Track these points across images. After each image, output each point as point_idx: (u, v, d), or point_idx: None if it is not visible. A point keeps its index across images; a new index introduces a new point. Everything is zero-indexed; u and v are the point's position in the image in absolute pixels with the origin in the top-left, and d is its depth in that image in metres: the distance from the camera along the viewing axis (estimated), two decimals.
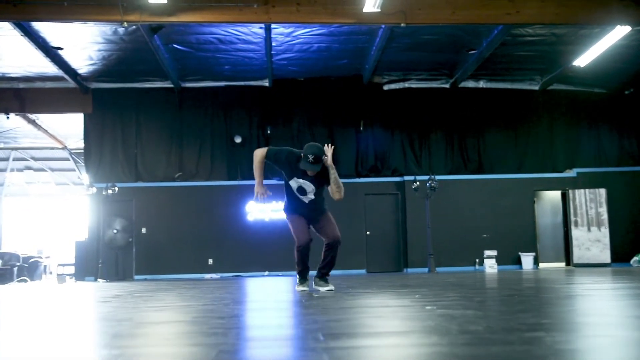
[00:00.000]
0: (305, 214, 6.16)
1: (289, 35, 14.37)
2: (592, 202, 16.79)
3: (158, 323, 3.39)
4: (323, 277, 6.27)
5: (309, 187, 5.97)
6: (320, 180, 5.96)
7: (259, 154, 6.07)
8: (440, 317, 3.10)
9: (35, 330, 3.11)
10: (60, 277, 14.91)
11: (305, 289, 6.38)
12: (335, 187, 5.85)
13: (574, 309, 3.63)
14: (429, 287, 6.27)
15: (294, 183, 6.01)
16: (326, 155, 5.85)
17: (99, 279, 15.30)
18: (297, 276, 6.43)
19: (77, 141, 20.87)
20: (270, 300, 5.16)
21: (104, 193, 15.76)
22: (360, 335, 2.49)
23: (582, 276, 9.19)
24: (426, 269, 15.99)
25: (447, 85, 17.87)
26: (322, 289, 6.21)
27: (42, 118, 18.83)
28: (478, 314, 3.21)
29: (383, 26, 13.31)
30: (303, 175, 5.89)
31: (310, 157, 5.70)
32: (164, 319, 3.67)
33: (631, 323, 2.78)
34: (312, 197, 6.04)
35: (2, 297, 7.65)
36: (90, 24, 12.89)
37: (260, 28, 13.72)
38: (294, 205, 6.18)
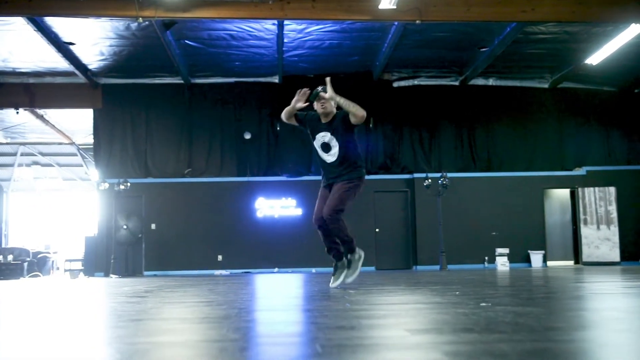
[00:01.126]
0: (330, 179, 5.89)
1: (301, 32, 14.31)
2: (601, 201, 16.76)
3: (180, 320, 3.34)
4: (340, 257, 5.82)
5: (328, 137, 5.80)
6: (339, 127, 5.78)
7: (285, 111, 6.13)
8: (505, 313, 3.05)
9: (67, 326, 3.06)
10: (73, 273, 14.85)
11: (334, 284, 5.82)
12: (351, 107, 5.66)
13: (584, 310, 3.59)
14: (462, 285, 6.21)
15: (317, 143, 5.89)
16: (324, 91, 5.83)
17: (111, 275, 15.23)
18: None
19: (84, 137, 20.80)
20: (276, 297, 5.10)
21: (116, 188, 15.71)
22: (443, 331, 2.44)
23: (590, 274, 9.16)
24: (435, 267, 15.96)
25: (456, 83, 17.82)
26: (347, 279, 5.79)
27: (50, 113, 18.76)
28: (538, 311, 3.16)
29: (396, 23, 13.26)
30: (323, 127, 5.85)
31: (319, 88, 5.84)
32: (183, 315, 3.62)
33: None
34: (337, 151, 5.77)
35: (20, 292, 7.59)
36: (103, 19, 12.83)
37: (273, 24, 13.66)
38: (322, 173, 6.02)
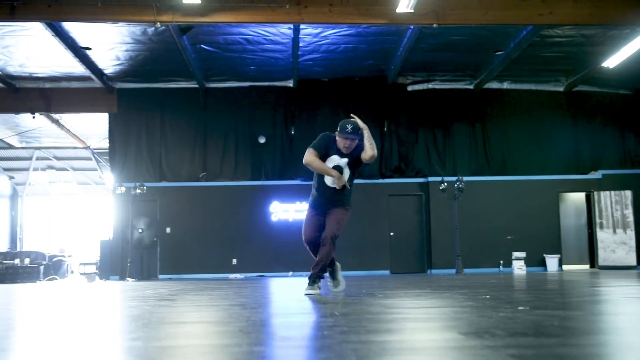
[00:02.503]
0: (324, 203, 6.02)
1: (317, 36, 14.34)
2: (617, 204, 16.70)
3: (192, 323, 3.36)
4: (311, 277, 6.02)
5: (343, 162, 5.95)
6: (354, 159, 5.95)
7: (310, 156, 5.97)
8: (548, 317, 3.06)
9: (96, 330, 3.09)
10: (90, 276, 14.93)
11: (311, 292, 5.94)
12: (369, 144, 5.80)
13: (602, 315, 3.59)
14: (488, 289, 6.21)
15: (330, 163, 5.96)
16: (360, 127, 5.91)
17: (128, 278, 15.29)
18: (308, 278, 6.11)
19: (99, 141, 20.91)
20: (289, 300, 5.12)
21: (132, 192, 15.78)
22: (496, 334, 2.45)
23: (611, 278, 9.13)
24: (450, 270, 15.93)
25: (471, 86, 17.81)
26: (310, 291, 5.94)
27: (65, 118, 18.87)
28: (580, 314, 3.17)
29: (412, 27, 13.27)
30: (339, 153, 5.94)
31: (349, 127, 5.83)
32: (193, 319, 3.65)
33: None
34: (347, 177, 5.97)
35: (42, 295, 7.64)
36: (120, 24, 12.91)
37: (289, 29, 13.70)
38: (316, 196, 6.10)
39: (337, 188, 5.91)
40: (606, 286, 6.67)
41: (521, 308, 3.58)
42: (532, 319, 2.96)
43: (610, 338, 2.17)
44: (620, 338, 2.18)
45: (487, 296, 4.83)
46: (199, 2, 11.70)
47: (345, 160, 5.94)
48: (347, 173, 5.97)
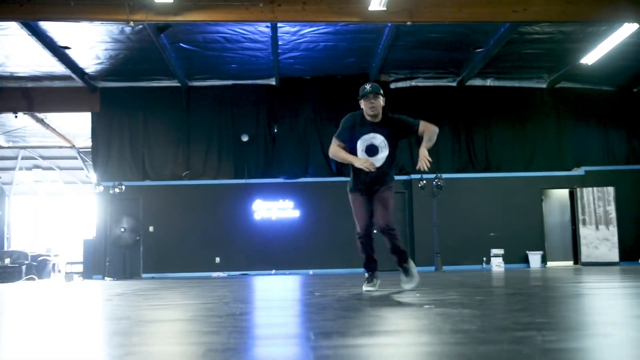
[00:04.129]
0: (367, 186, 5.49)
1: (295, 34, 14.36)
2: (600, 201, 16.70)
3: (156, 321, 3.40)
4: (401, 266, 5.63)
5: (379, 139, 5.42)
6: (392, 130, 5.45)
7: (333, 148, 5.52)
8: (437, 315, 3.09)
9: (36, 328, 3.12)
10: (68, 276, 14.98)
11: (370, 288, 5.58)
12: (434, 137, 5.39)
13: (576, 308, 3.61)
14: (431, 286, 6.26)
15: (361, 145, 5.45)
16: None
17: (106, 278, 15.36)
18: (365, 272, 5.73)
19: (85, 140, 20.95)
20: (267, 299, 5.16)
21: (111, 192, 15.82)
22: (352, 334, 2.49)
23: (589, 275, 9.15)
24: (433, 268, 15.96)
25: (454, 84, 17.82)
26: (404, 285, 5.62)
27: (51, 117, 18.91)
28: (475, 313, 3.20)
29: (389, 24, 13.28)
30: (371, 128, 5.44)
31: (367, 86, 5.47)
32: (163, 317, 3.68)
33: (632, 323, 2.76)
34: (385, 154, 5.43)
35: (9, 295, 7.69)
36: (97, 23, 12.92)
37: (267, 27, 13.72)
38: (357, 177, 5.55)
39: (371, 170, 5.28)
40: (563, 283, 6.69)
41: (426, 307, 3.61)
42: (414, 316, 2.99)
43: (448, 338, 2.20)
44: (465, 337, 2.21)
45: (417, 295, 4.86)
46: (171, 1, 11.73)
47: (382, 137, 5.42)
48: (384, 151, 5.43)
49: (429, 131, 5.46)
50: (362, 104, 5.47)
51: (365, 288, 5.62)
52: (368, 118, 5.48)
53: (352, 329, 2.66)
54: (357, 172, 5.48)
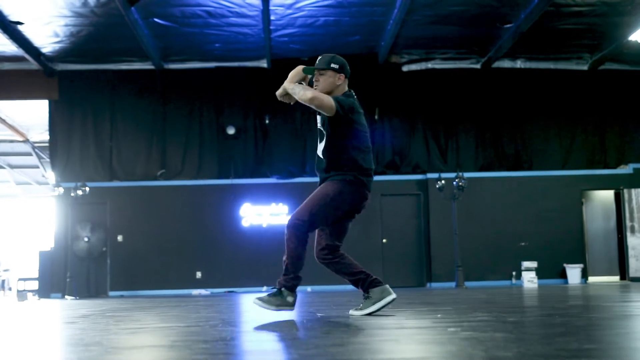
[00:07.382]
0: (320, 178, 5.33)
1: (291, 7, 14.39)
2: None
3: (133, 348, 3.39)
4: (278, 283, 5.23)
5: (319, 122, 5.28)
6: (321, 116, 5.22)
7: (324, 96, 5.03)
8: (465, 340, 3.09)
9: None
10: (21, 294, 14.99)
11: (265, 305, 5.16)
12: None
13: (625, 332, 3.61)
14: (454, 305, 6.26)
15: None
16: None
17: (66, 296, 15.35)
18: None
19: (41, 133, 20.92)
20: (260, 321, 5.15)
21: (72, 194, 15.81)
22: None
23: (639, 292, 9.16)
24: (453, 284, 15.97)
25: (477, 66, 17.84)
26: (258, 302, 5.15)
27: (0, 105, 18.89)
28: (510, 337, 3.20)
29: None
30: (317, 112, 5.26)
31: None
32: (140, 343, 3.68)
33: None
34: (323, 143, 5.19)
35: None
36: None
37: None
38: None
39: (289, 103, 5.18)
40: (609, 303, 6.70)
41: (451, 330, 3.61)
42: (437, 340, 2.99)
43: None
44: None
45: (439, 315, 4.86)
46: None
47: (320, 118, 5.27)
48: (323, 136, 5.21)
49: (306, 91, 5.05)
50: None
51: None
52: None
53: (366, 355, 2.66)
54: None
